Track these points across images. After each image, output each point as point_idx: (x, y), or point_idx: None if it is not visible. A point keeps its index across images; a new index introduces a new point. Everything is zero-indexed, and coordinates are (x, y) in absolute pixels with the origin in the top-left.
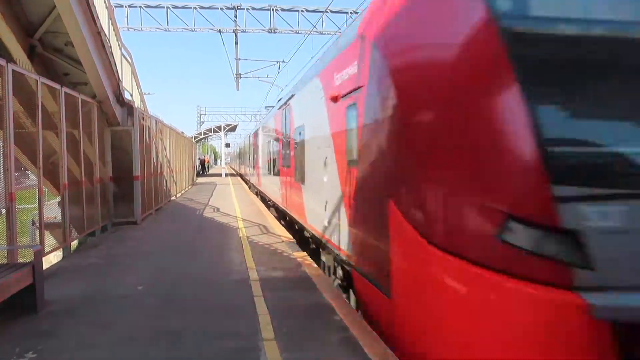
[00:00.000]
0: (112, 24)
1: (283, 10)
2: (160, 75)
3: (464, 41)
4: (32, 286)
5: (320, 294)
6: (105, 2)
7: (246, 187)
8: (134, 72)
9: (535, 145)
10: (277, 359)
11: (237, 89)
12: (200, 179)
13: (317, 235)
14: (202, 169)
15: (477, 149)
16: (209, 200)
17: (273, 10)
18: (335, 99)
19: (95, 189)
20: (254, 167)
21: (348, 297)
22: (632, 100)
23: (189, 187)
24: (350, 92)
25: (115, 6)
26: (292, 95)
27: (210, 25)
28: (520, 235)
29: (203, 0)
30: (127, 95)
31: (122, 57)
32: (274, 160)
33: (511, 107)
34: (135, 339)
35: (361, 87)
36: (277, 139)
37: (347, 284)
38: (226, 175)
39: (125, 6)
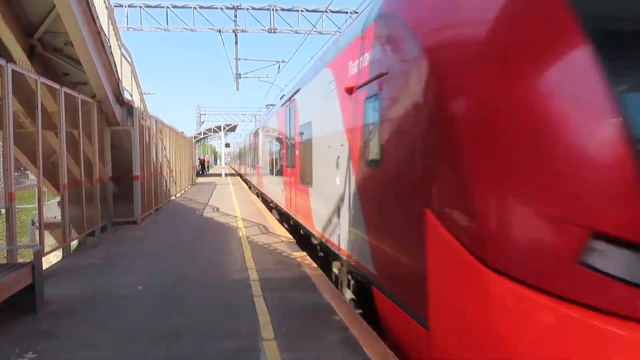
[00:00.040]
0: (111, 24)
1: (283, 10)
2: (160, 75)
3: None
4: (31, 286)
5: (320, 294)
6: (104, 1)
7: (246, 187)
8: (133, 72)
9: (634, 141)
10: (277, 359)
11: (237, 89)
12: (200, 179)
13: (327, 244)
14: (202, 169)
15: (553, 146)
16: (208, 200)
17: (273, 10)
18: (350, 90)
19: (95, 188)
20: (255, 167)
21: (364, 315)
22: None
23: (189, 187)
24: (371, 80)
25: (115, 6)
26: (297, 90)
27: (210, 25)
28: (611, 259)
29: (203, 0)
30: (126, 95)
31: (122, 57)
32: (277, 161)
33: (600, 93)
34: (135, 339)
35: (385, 74)
36: (280, 138)
37: (363, 299)
38: (226, 175)
39: (125, 6)
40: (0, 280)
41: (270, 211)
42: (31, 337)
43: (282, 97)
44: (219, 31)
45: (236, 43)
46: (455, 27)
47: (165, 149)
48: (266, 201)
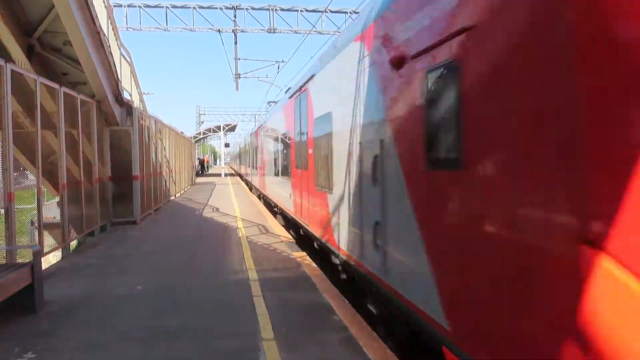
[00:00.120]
0: (111, 24)
1: (282, 10)
2: (160, 75)
3: None
4: (31, 286)
5: (319, 294)
6: (104, 1)
7: (245, 187)
8: (133, 72)
9: None
10: (277, 359)
11: (237, 89)
12: (199, 179)
13: (359, 270)
14: (202, 169)
15: None
16: (208, 200)
17: (272, 10)
18: (399, 62)
19: (94, 188)
20: (256, 167)
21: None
22: None
23: (189, 187)
24: (442, 42)
25: (114, 6)
26: (311, 77)
27: (210, 25)
28: None
29: (202, 0)
30: (126, 95)
31: (121, 57)
32: (283, 161)
33: None
34: (135, 339)
35: (470, 29)
36: (287, 135)
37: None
38: (225, 175)
39: (125, 6)
40: (0, 280)
41: (275, 216)
42: (30, 337)
43: (287, 90)
44: (219, 31)
45: (236, 43)
46: None
47: (164, 149)
48: (269, 204)
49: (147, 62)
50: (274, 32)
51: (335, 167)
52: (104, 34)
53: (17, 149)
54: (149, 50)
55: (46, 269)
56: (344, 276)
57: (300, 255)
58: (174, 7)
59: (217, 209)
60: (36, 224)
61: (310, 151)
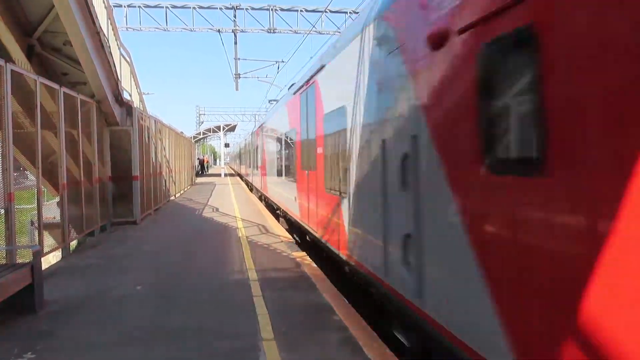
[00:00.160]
0: (111, 24)
1: (282, 10)
2: (160, 75)
3: None
4: (31, 286)
5: (319, 294)
6: (104, 2)
7: (245, 187)
8: (132, 72)
9: None
10: (277, 359)
11: (237, 89)
12: (199, 179)
13: (382, 289)
14: (201, 169)
15: None
16: (208, 200)
17: (272, 10)
18: (440, 40)
19: (94, 189)
20: (258, 168)
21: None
22: None
23: (188, 187)
24: (515, 3)
25: (114, 6)
26: (320, 68)
27: (210, 25)
28: None
29: (202, 0)
30: (126, 95)
31: (121, 57)
32: (287, 161)
33: None
34: (135, 339)
35: None
36: (291, 134)
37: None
38: (225, 175)
39: (124, 6)
40: (0, 280)
41: (277, 219)
42: (30, 337)
43: (291, 86)
44: (219, 31)
45: (235, 43)
46: None
47: (164, 149)
48: (272, 206)
49: (147, 62)
50: (274, 32)
51: (350, 168)
52: (104, 34)
53: (17, 149)
54: (149, 50)
55: (46, 269)
56: (346, 275)
57: (300, 255)
58: (174, 7)
59: (217, 209)
60: (36, 224)
61: (319, 150)
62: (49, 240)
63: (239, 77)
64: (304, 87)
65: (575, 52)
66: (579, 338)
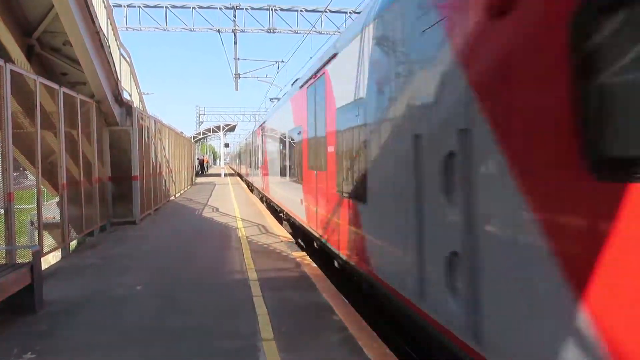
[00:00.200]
0: (110, 24)
1: (282, 10)
2: (159, 75)
3: None
4: (30, 286)
5: (319, 294)
6: (103, 1)
7: (245, 187)
8: (132, 72)
9: None
10: (276, 359)
11: (236, 89)
12: (199, 179)
13: (416, 316)
14: (201, 169)
15: None
16: (208, 200)
17: (272, 10)
18: (504, 5)
19: (94, 189)
20: (259, 168)
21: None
22: None
23: (188, 187)
24: None
25: (113, 6)
26: (332, 57)
27: (209, 25)
28: None
29: (202, 0)
30: (125, 95)
31: (121, 57)
32: (292, 161)
33: None
34: (134, 339)
35: None
36: (296, 131)
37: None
38: (225, 175)
39: (124, 6)
40: None
41: (280, 223)
42: (30, 337)
43: (295, 81)
44: (218, 31)
45: (235, 43)
46: None
47: (164, 149)
48: (274, 209)
49: (146, 62)
50: (274, 32)
51: (370, 169)
52: (104, 34)
53: (17, 149)
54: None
55: (46, 269)
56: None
57: (300, 255)
58: (174, 7)
59: (217, 209)
60: (36, 224)
61: (330, 149)
62: (48, 240)
63: (239, 77)
64: (312, 80)
65: None
66: None
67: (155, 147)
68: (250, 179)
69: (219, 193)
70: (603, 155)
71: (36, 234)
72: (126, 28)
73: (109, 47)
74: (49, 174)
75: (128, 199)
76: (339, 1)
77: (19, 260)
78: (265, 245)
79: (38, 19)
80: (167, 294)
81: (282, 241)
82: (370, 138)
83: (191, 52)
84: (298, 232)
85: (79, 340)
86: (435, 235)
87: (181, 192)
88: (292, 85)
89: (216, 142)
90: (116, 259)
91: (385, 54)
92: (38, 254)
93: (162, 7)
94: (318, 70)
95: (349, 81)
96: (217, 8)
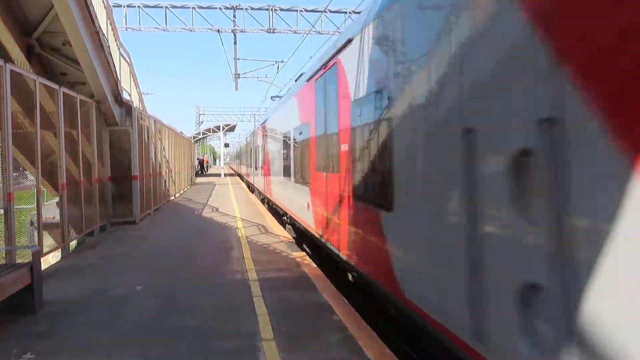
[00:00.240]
0: (110, 24)
1: (282, 10)
2: (159, 75)
3: None
4: (30, 286)
5: (319, 294)
6: (103, 2)
7: (245, 187)
8: (132, 72)
9: None
10: (276, 359)
11: (236, 89)
12: (199, 179)
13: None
14: (201, 169)
15: None
16: (207, 200)
17: (272, 10)
18: None
19: (94, 189)
20: (260, 168)
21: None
22: None
23: (188, 187)
24: None
25: (113, 6)
26: (347, 42)
27: (209, 25)
28: None
29: (201, 0)
30: (125, 95)
31: (121, 57)
32: (297, 161)
33: None
34: (134, 340)
35: None
36: (303, 129)
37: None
38: (225, 175)
39: (124, 6)
40: None
41: (284, 226)
42: (30, 337)
43: (300, 76)
44: (218, 31)
45: (235, 43)
46: None
47: (164, 149)
48: (276, 211)
49: (146, 62)
50: (274, 32)
51: (400, 171)
52: (104, 34)
53: (17, 149)
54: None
55: (45, 269)
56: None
57: (300, 255)
58: (173, 7)
59: (217, 209)
60: (35, 224)
61: (343, 147)
62: (48, 241)
63: (239, 77)
64: (321, 72)
65: None
66: None
67: (155, 147)
68: (251, 180)
69: (218, 193)
70: None
71: (36, 234)
72: (126, 28)
73: (109, 47)
74: (49, 174)
75: (128, 199)
76: (339, 1)
77: (19, 261)
78: (265, 245)
79: (38, 19)
80: (167, 293)
81: (282, 241)
82: (396, 134)
83: (191, 52)
84: (303, 235)
85: (78, 340)
86: (500, 260)
87: (181, 192)
88: (295, 80)
89: (216, 142)
90: (116, 259)
91: (425, 27)
92: (38, 254)
93: (162, 7)
94: (329, 60)
95: (369, 69)
96: (216, 8)
